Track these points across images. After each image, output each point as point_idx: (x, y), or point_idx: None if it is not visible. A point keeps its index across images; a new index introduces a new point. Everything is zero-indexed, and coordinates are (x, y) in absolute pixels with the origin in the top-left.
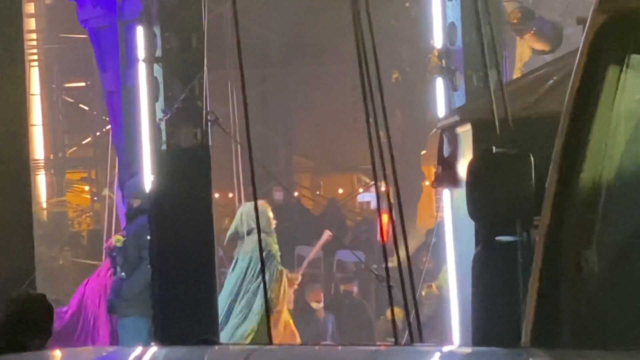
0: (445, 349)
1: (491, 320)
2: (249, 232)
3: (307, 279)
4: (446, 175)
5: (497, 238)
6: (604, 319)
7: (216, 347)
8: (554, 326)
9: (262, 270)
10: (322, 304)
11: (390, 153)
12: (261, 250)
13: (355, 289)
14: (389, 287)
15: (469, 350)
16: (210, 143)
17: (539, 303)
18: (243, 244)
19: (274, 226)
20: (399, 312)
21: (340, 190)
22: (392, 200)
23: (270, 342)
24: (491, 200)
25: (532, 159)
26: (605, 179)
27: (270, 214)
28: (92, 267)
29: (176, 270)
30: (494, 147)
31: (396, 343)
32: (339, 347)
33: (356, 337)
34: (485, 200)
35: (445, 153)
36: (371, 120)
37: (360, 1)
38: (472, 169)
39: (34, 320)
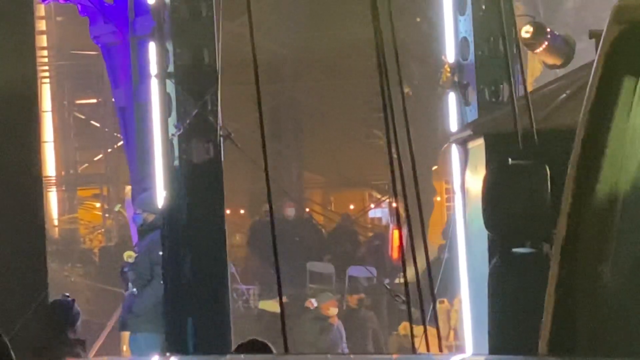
0: (458, 357)
1: (508, 330)
2: None
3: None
4: None
5: (513, 250)
6: (619, 330)
7: (228, 357)
8: (570, 337)
9: None
10: (336, 310)
11: (413, 168)
12: None
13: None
14: (409, 302)
15: (482, 358)
16: (222, 158)
17: (556, 314)
18: None
19: None
20: (406, 326)
21: (352, 206)
22: (403, 216)
23: (286, 351)
24: (507, 212)
25: (547, 170)
26: (622, 191)
27: None
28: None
29: (189, 286)
30: (509, 159)
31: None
32: (352, 356)
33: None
34: (501, 212)
35: (458, 167)
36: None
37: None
38: (488, 181)
39: None
